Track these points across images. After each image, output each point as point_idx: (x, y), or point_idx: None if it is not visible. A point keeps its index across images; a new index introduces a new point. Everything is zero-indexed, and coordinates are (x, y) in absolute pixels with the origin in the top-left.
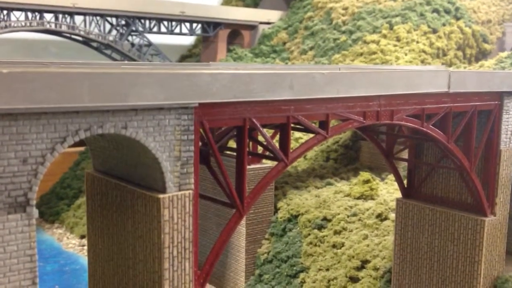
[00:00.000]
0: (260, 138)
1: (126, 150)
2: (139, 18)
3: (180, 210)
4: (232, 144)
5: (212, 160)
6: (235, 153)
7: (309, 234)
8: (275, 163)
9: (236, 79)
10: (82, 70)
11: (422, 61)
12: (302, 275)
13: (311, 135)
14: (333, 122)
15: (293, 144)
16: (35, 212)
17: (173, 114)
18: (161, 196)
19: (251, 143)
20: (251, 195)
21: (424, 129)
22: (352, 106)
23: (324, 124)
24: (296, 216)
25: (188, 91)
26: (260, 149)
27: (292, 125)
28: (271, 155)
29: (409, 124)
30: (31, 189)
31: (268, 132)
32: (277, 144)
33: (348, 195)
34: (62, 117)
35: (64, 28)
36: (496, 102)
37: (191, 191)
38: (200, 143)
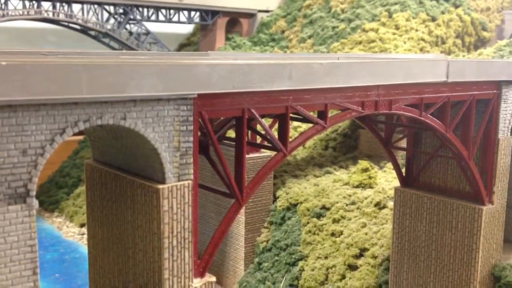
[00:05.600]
0: (259, 127)
1: (126, 140)
2: (137, 7)
3: (179, 201)
4: (231, 133)
5: (211, 149)
6: (234, 142)
7: (308, 223)
8: (274, 152)
9: (235, 70)
10: (81, 61)
11: (421, 49)
12: (301, 263)
13: (310, 124)
14: (332, 112)
15: (291, 133)
16: (35, 203)
17: (172, 105)
18: (160, 186)
19: (250, 132)
20: (250, 185)
21: (423, 118)
22: (351, 96)
23: (322, 114)
24: (295, 205)
25: (187, 82)
26: (259, 138)
27: (291, 115)
28: (270, 145)
29: (407, 113)
30: (31, 180)
31: (267, 121)
32: (275, 133)
33: (347, 183)
34: (61, 108)
35: (61, 16)
36: (495, 91)
37: (190, 182)
38: (199, 133)
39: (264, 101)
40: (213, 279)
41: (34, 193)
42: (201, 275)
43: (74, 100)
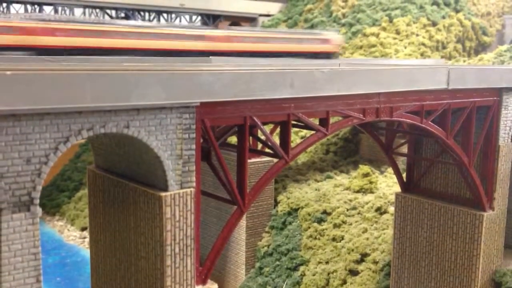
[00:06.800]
0: (261, 134)
1: (128, 148)
2: (139, 11)
3: (182, 208)
4: (232, 139)
5: (213, 155)
6: (235, 148)
7: (309, 227)
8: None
9: (237, 78)
10: (84, 68)
11: (422, 54)
12: (302, 268)
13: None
14: (333, 118)
15: (292, 137)
16: (39, 211)
17: (175, 113)
18: (163, 194)
19: (251, 138)
20: (252, 192)
21: (424, 125)
22: (352, 103)
23: (324, 121)
24: (296, 210)
25: (190, 90)
26: (260, 144)
27: (292, 122)
28: (272, 152)
29: (408, 120)
30: (34, 189)
31: (268, 126)
32: (277, 139)
33: (348, 188)
34: (64, 117)
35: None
36: (495, 98)
37: (192, 189)
38: (201, 140)
39: (266, 108)
40: (215, 286)
41: (37, 201)
42: (203, 282)
43: (78, 109)
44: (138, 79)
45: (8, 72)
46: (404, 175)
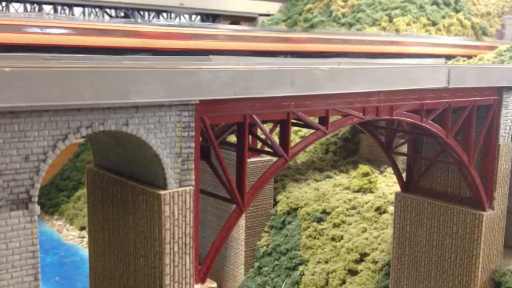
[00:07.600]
0: (260, 133)
1: (127, 146)
2: (138, 10)
3: (181, 206)
4: (232, 138)
5: (213, 154)
6: (235, 148)
7: (308, 227)
8: (275, 157)
9: (237, 76)
10: (83, 66)
11: None
12: (301, 267)
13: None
14: (333, 117)
15: (292, 137)
16: (37, 208)
17: (174, 111)
18: (162, 192)
19: (250, 137)
20: (252, 191)
21: (424, 124)
22: (352, 102)
23: (324, 120)
24: (295, 209)
25: (189, 88)
26: (260, 143)
27: (292, 120)
28: (271, 150)
29: (408, 119)
30: (33, 186)
31: (268, 125)
32: (276, 138)
33: (347, 188)
34: (63, 114)
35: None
36: (495, 97)
37: (191, 187)
38: (200, 139)
39: (266, 107)
40: (214, 285)
41: (36, 199)
42: (202, 280)
43: (77, 106)
44: (136, 76)
45: (7, 69)
46: (403, 174)
